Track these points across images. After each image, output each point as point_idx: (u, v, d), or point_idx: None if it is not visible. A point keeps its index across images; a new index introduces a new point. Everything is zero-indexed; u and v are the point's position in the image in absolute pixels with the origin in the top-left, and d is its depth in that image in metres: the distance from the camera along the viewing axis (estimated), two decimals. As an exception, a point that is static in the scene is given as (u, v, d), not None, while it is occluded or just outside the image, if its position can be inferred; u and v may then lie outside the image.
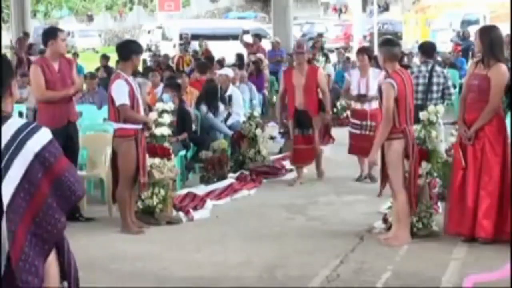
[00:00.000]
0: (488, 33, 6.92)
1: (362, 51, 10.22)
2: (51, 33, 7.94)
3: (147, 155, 7.81)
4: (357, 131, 9.75)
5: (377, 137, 7.05)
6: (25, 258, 3.37)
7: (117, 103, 7.41)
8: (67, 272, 3.62)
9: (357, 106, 9.84)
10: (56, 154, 3.45)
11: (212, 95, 11.29)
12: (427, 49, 9.36)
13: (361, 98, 9.72)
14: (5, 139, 3.41)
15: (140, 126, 7.54)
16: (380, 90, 6.97)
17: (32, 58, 15.29)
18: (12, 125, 3.45)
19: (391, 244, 6.92)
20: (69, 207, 3.52)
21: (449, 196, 7.09)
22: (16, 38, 23.91)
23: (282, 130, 12.43)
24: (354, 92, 9.79)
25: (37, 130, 3.44)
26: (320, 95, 9.92)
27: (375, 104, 9.30)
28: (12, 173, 3.39)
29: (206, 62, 15.18)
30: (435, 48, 9.91)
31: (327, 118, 10.02)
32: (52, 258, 3.53)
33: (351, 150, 9.97)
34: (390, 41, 7.30)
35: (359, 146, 9.61)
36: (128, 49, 7.62)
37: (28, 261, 3.37)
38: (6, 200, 3.37)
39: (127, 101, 7.40)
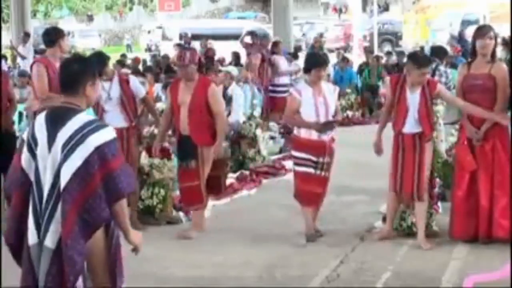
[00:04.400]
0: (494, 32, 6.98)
1: (321, 63, 7.26)
2: (60, 33, 7.98)
3: (146, 155, 7.82)
4: (311, 170, 7.16)
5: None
6: (73, 237, 3.84)
7: None
8: (112, 255, 4.07)
9: (311, 135, 7.18)
10: (114, 152, 3.95)
11: None
12: (437, 52, 9.50)
13: (329, 126, 7.17)
14: (72, 129, 3.92)
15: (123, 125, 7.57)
16: (432, 96, 6.90)
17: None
18: (81, 118, 3.98)
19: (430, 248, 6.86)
20: (115, 201, 3.97)
21: (454, 200, 7.00)
22: (14, 39, 23.93)
23: (282, 130, 12.49)
24: (310, 117, 7.11)
25: (102, 128, 3.98)
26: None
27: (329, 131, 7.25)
28: (72, 161, 3.87)
29: (206, 62, 15.17)
30: (447, 53, 10.05)
31: (218, 151, 7.44)
32: (99, 235, 4.00)
33: (302, 199, 7.31)
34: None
35: (313, 193, 7.23)
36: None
37: (75, 240, 3.84)
38: (64, 182, 3.86)
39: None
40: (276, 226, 7.83)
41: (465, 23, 34.04)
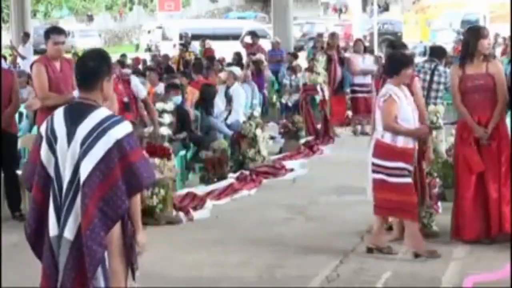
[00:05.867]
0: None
1: (410, 62, 6.84)
2: (45, 35, 7.87)
3: (146, 155, 7.82)
4: (410, 180, 6.59)
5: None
6: (92, 228, 3.92)
7: None
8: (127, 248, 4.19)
9: (408, 143, 6.56)
10: (132, 145, 4.05)
11: (207, 100, 11.22)
12: (436, 52, 9.53)
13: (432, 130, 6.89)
14: (91, 125, 4.01)
15: None
16: (409, 90, 6.78)
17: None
18: (99, 113, 4.06)
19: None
20: (134, 193, 4.10)
21: (462, 202, 6.93)
22: (14, 39, 23.92)
23: (282, 130, 12.49)
24: (409, 123, 6.57)
25: (121, 122, 4.06)
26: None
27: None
28: (92, 155, 3.95)
29: (201, 62, 15.22)
30: (445, 52, 10.08)
31: None
32: (117, 232, 4.08)
33: (401, 212, 6.71)
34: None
35: (415, 204, 6.66)
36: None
37: (94, 231, 3.93)
38: (84, 175, 3.95)
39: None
40: (276, 226, 7.83)
41: (465, 23, 34.03)
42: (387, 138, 6.56)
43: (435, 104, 8.36)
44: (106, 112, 4.11)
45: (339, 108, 13.66)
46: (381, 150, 6.60)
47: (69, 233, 3.99)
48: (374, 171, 6.63)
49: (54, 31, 7.98)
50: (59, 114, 4.12)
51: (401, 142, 6.52)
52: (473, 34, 6.96)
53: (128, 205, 4.04)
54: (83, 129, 4.00)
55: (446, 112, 8.91)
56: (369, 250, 6.73)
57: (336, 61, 13.55)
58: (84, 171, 3.95)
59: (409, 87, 6.80)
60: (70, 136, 4.02)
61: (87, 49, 4.78)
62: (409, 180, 6.53)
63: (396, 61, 6.78)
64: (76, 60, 4.42)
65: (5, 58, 19.92)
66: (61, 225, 4.02)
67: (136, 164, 4.03)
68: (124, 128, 4.04)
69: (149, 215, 7.87)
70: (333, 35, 14.58)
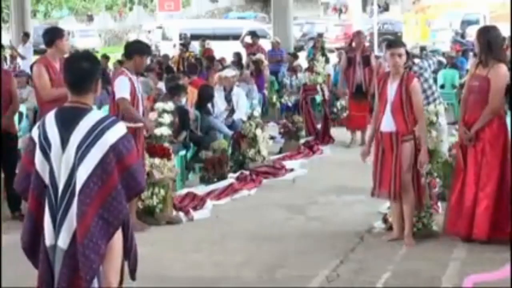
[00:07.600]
0: (487, 33, 6.92)
1: None
2: (58, 33, 7.96)
3: (146, 155, 7.81)
4: None
5: (424, 137, 6.84)
6: (90, 237, 3.80)
7: (117, 96, 7.38)
8: (128, 248, 4.13)
9: None
10: (128, 147, 3.92)
11: (205, 100, 11.21)
12: None
13: None
14: (85, 129, 3.87)
15: (139, 124, 7.49)
16: (407, 90, 6.82)
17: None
18: (92, 117, 3.93)
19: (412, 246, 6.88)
20: (133, 196, 4.07)
21: (449, 197, 7.08)
22: (14, 39, 23.93)
23: (282, 130, 12.48)
24: None
25: (115, 124, 3.93)
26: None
27: None
28: (88, 160, 3.82)
29: (195, 63, 15.23)
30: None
31: None
32: (118, 235, 3.99)
33: None
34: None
35: None
36: (131, 49, 7.67)
37: (92, 240, 3.80)
38: (80, 183, 3.81)
39: (127, 96, 7.35)
40: (276, 226, 7.83)
41: (465, 23, 34.09)
42: None
43: (428, 103, 8.40)
44: (99, 115, 4.00)
45: (359, 114, 12.45)
46: None
47: (62, 242, 3.87)
48: None
49: (62, 29, 8.24)
50: (50, 120, 3.96)
51: None
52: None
53: (128, 209, 3.95)
54: (78, 134, 3.87)
55: (445, 112, 8.93)
56: None
57: (357, 63, 12.46)
58: (80, 179, 3.82)
59: (407, 87, 6.81)
60: (64, 142, 3.88)
61: (75, 51, 4.73)
62: None
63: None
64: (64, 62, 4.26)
65: (5, 59, 19.94)
66: (56, 234, 3.89)
67: (133, 167, 3.92)
68: (118, 131, 3.92)
69: (149, 215, 7.89)
70: (358, 34, 13.09)
